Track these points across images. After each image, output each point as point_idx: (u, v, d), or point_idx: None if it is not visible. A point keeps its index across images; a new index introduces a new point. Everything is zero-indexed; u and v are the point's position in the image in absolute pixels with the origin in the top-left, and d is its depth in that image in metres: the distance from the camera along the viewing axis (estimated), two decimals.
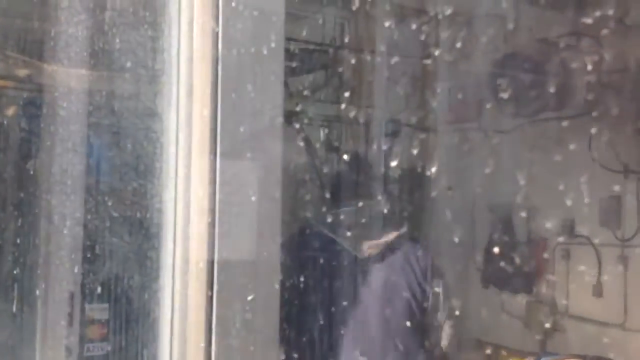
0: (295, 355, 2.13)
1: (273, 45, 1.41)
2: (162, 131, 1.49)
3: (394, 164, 3.48)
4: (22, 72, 2.64)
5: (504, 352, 4.03)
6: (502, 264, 4.66)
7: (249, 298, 1.31)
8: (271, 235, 1.37)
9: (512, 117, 4.29)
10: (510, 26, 3.67)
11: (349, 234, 2.63)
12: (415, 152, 3.68)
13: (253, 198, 1.35)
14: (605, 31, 3.17)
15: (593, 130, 3.92)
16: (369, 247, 2.68)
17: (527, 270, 4.74)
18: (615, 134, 3.91)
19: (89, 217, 2.03)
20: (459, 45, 3.37)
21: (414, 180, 3.65)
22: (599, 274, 4.34)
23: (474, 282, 4.76)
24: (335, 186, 2.96)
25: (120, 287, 1.89)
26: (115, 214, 1.89)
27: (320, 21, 4.02)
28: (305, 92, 3.93)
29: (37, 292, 2.19)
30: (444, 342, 2.73)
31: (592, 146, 4.12)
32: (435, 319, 2.71)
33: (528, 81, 4.06)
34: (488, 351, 4.15)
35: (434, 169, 3.38)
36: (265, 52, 1.40)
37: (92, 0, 2.02)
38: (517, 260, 4.62)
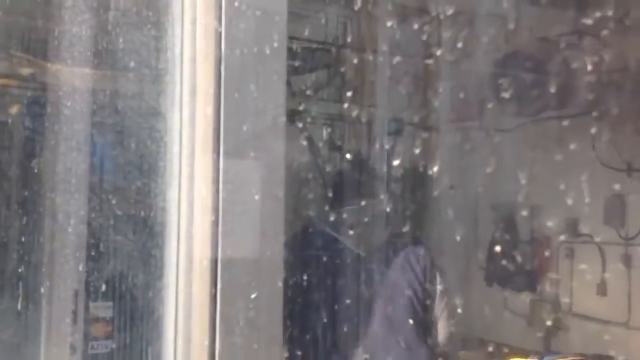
0: (298, 353, 2.14)
1: (276, 45, 1.41)
2: (166, 130, 1.49)
3: (396, 163, 3.49)
4: (26, 71, 2.65)
5: (507, 351, 4.02)
6: (506, 262, 4.67)
7: (253, 296, 1.32)
8: (274, 234, 1.37)
9: (514, 116, 4.29)
10: (512, 26, 3.67)
11: (351, 232, 2.64)
12: (417, 151, 3.69)
13: (256, 197, 1.36)
14: (606, 30, 3.17)
15: (596, 129, 3.92)
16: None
17: (530, 268, 4.74)
18: (617, 132, 3.91)
19: (93, 215, 2.04)
20: (460, 44, 3.38)
21: (416, 179, 3.66)
22: (603, 272, 4.34)
23: (478, 281, 4.76)
24: (337, 185, 2.96)
25: (124, 285, 1.90)
26: (119, 213, 1.90)
27: (323, 20, 4.02)
28: (308, 92, 3.93)
29: (42, 290, 2.20)
30: (441, 338, 2.74)
31: (595, 145, 4.12)
32: (432, 315, 2.71)
33: (529, 80, 4.06)
34: (491, 349, 4.15)
35: (436, 168, 3.39)
36: (267, 51, 1.40)
37: (96, 0, 2.03)
38: (521, 258, 4.62)
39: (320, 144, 4.11)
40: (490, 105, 4.26)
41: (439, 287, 2.72)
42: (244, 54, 1.38)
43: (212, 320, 1.31)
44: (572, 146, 3.58)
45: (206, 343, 1.31)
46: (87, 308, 2.26)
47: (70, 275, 2.16)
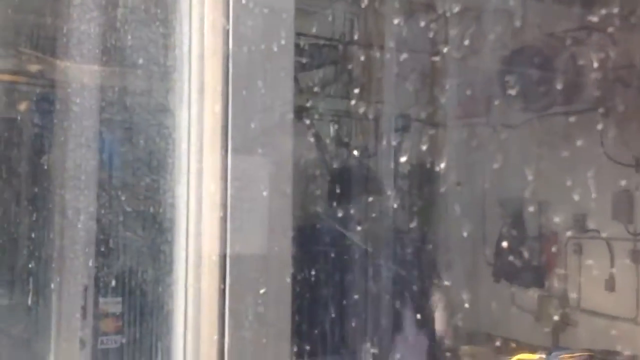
0: (307, 347, 2.15)
1: (283, 42, 1.42)
2: (174, 127, 1.50)
3: (403, 159, 3.49)
4: (36, 68, 2.67)
5: (515, 346, 4.03)
6: (514, 258, 4.67)
7: (261, 291, 1.33)
8: (282, 230, 1.38)
9: (521, 112, 4.29)
10: (518, 22, 3.66)
11: (359, 228, 2.65)
12: (424, 147, 3.69)
13: (264, 193, 1.37)
14: (612, 27, 3.16)
15: (603, 125, 3.92)
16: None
17: (538, 264, 4.74)
18: (625, 128, 3.90)
19: (102, 211, 2.06)
20: (467, 41, 3.38)
21: (423, 176, 3.66)
22: (611, 268, 4.34)
23: (485, 277, 4.76)
24: (345, 181, 2.97)
25: (134, 281, 1.91)
26: (128, 209, 1.91)
27: (330, 18, 4.02)
28: (316, 88, 3.94)
29: (52, 285, 2.21)
30: (438, 328, 2.74)
31: (603, 140, 4.12)
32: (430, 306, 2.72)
33: (536, 76, 4.05)
34: (499, 345, 4.16)
35: (443, 165, 3.39)
36: (275, 49, 1.41)
37: None
38: (529, 254, 4.62)
39: (328, 141, 4.12)
40: (497, 102, 4.26)
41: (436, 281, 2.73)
42: (251, 51, 1.39)
43: (221, 315, 1.32)
44: (580, 142, 3.58)
45: (215, 337, 1.32)
46: (96, 303, 2.28)
47: (80, 271, 2.17)
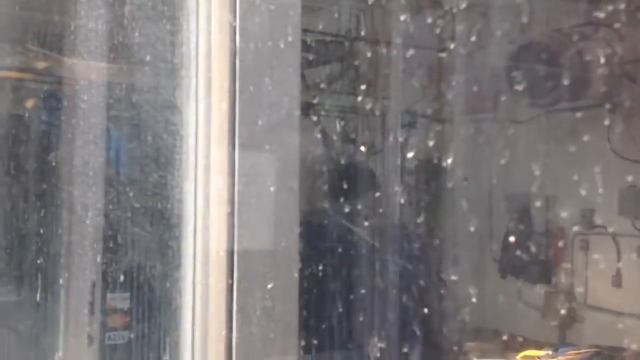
0: (314, 341, 2.16)
1: (290, 38, 1.42)
2: (182, 124, 1.51)
3: (410, 154, 3.49)
4: (43, 65, 2.68)
5: (521, 343, 4.03)
6: (520, 254, 4.67)
7: (269, 286, 1.34)
8: (289, 225, 1.39)
9: (528, 108, 4.28)
10: (525, 18, 3.66)
11: (366, 223, 2.65)
12: (431, 143, 3.69)
13: (271, 188, 1.37)
14: (619, 23, 3.16)
15: (610, 121, 3.91)
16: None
17: (545, 260, 4.73)
18: (632, 123, 3.90)
19: (110, 207, 2.07)
20: (474, 37, 3.38)
21: (429, 171, 3.66)
22: (618, 264, 4.33)
23: (492, 273, 4.76)
24: (352, 177, 2.97)
25: (142, 277, 1.92)
26: (136, 205, 1.92)
27: (336, 14, 4.02)
28: (322, 85, 3.94)
29: (61, 281, 2.23)
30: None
31: (610, 136, 4.11)
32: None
33: (543, 72, 4.05)
34: (506, 341, 4.16)
35: (450, 160, 3.39)
36: (282, 45, 1.41)
37: None
38: (535, 250, 4.62)
39: (334, 137, 4.12)
40: (504, 98, 4.25)
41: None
42: (258, 47, 1.39)
43: (229, 311, 1.33)
44: (586, 138, 3.58)
45: (223, 332, 1.33)
46: (104, 299, 2.29)
47: (88, 267, 2.18)
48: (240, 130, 1.38)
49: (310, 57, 3.43)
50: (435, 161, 3.51)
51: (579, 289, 4.58)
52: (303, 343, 1.45)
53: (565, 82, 3.91)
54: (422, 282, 2.65)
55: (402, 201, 2.84)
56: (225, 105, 1.38)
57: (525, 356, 3.63)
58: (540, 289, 4.70)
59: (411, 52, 3.48)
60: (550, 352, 3.65)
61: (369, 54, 3.97)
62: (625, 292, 4.27)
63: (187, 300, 1.44)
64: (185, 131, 1.50)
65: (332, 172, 3.43)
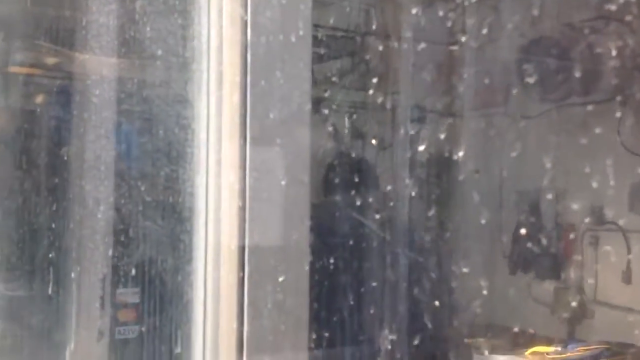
0: (326, 334, 2.16)
1: (301, 32, 1.43)
2: (193, 118, 1.51)
3: (421, 148, 3.49)
4: (54, 61, 2.69)
5: (531, 339, 4.03)
6: (530, 250, 4.66)
7: (280, 279, 1.34)
8: (300, 219, 1.39)
9: (539, 102, 4.27)
10: (536, 11, 3.65)
11: (377, 216, 2.66)
12: (441, 136, 3.68)
13: (282, 182, 1.38)
14: (630, 16, 3.14)
15: (621, 116, 3.89)
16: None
17: (554, 256, 4.72)
18: None
19: (122, 201, 2.08)
20: (485, 30, 3.37)
21: (440, 166, 3.66)
22: (628, 260, 4.32)
23: (501, 268, 4.75)
24: (363, 170, 2.98)
25: (153, 270, 1.93)
26: (148, 199, 1.93)
27: (348, 9, 4.02)
28: (334, 78, 3.94)
29: (72, 275, 2.24)
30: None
31: (620, 131, 4.10)
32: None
33: (554, 66, 4.03)
34: (515, 337, 4.15)
35: (461, 153, 3.39)
36: (293, 39, 1.42)
37: None
38: (545, 246, 4.61)
39: (345, 131, 4.12)
40: (514, 92, 4.24)
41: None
42: (269, 41, 1.39)
43: (240, 304, 1.33)
44: (597, 133, 3.56)
45: (234, 325, 1.34)
46: (115, 293, 2.30)
47: (100, 261, 2.19)
48: (252, 124, 1.38)
49: (321, 51, 3.43)
50: (447, 155, 3.51)
51: (588, 285, 4.57)
52: (314, 336, 1.46)
53: (576, 76, 3.89)
54: (432, 275, 2.65)
55: (413, 194, 2.84)
56: (236, 99, 1.39)
57: (534, 352, 3.63)
58: (549, 285, 4.70)
59: (422, 45, 3.47)
60: (559, 348, 3.65)
61: (380, 48, 3.97)
62: (635, 288, 4.26)
63: (198, 293, 1.44)
64: (196, 125, 1.51)
65: (343, 165, 3.43)
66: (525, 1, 3.73)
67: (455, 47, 3.84)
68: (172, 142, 1.63)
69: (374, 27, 4.07)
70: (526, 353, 3.65)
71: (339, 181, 3.00)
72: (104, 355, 2.35)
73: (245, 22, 1.39)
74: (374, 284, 2.56)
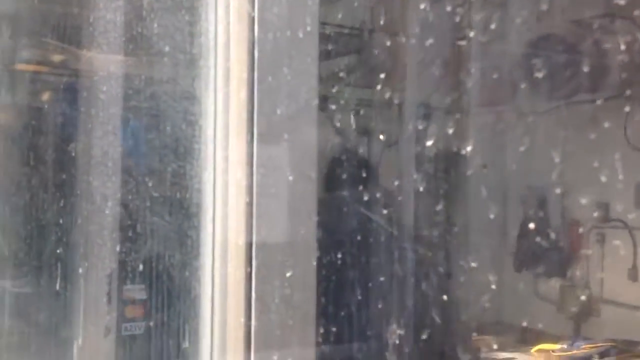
0: (333, 329, 2.17)
1: (308, 28, 1.43)
2: (200, 114, 1.52)
3: (429, 143, 3.49)
4: (61, 58, 2.69)
5: (537, 336, 4.02)
6: (536, 247, 4.65)
7: (288, 274, 1.35)
8: (307, 214, 1.40)
9: (547, 99, 4.26)
10: (544, 7, 3.64)
11: (385, 212, 2.66)
12: (450, 132, 3.68)
13: (290, 178, 1.38)
14: (638, 11, 3.13)
15: (629, 112, 3.88)
16: None
17: (561, 253, 4.72)
18: None
19: (129, 198, 2.08)
20: (492, 26, 3.36)
21: (447, 162, 3.65)
22: (635, 257, 4.31)
23: (507, 266, 4.75)
24: (370, 166, 2.98)
25: (161, 266, 1.93)
26: (155, 195, 1.93)
27: (355, 5, 4.01)
28: (341, 74, 3.94)
29: (80, 270, 2.24)
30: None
31: (628, 129, 4.09)
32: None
33: (562, 63, 4.03)
34: (521, 335, 4.15)
35: (469, 148, 3.38)
36: (301, 35, 1.42)
37: None
38: (551, 243, 4.61)
39: (352, 127, 4.12)
40: (522, 88, 4.23)
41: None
42: (277, 38, 1.40)
43: (248, 299, 1.34)
44: (603, 130, 3.56)
45: (242, 320, 1.34)
46: (122, 289, 2.30)
47: (107, 257, 2.20)
48: (259, 120, 1.39)
49: (329, 47, 3.42)
50: (455, 150, 3.50)
51: (594, 282, 4.57)
52: (321, 330, 1.46)
53: (584, 72, 3.89)
54: (439, 270, 2.65)
55: (421, 189, 2.84)
56: (243, 96, 1.39)
57: (540, 349, 3.63)
58: (555, 283, 4.69)
59: (430, 41, 3.47)
60: (565, 346, 3.64)
61: (387, 44, 3.96)
62: None
63: (205, 289, 1.45)
64: (203, 121, 1.51)
65: (350, 161, 3.43)
66: None
67: (463, 43, 3.84)
68: (180, 139, 1.64)
69: (381, 23, 4.06)
70: (532, 350, 3.64)
71: (347, 177, 3.00)
72: (111, 351, 2.35)
73: (253, 19, 1.40)
74: (382, 278, 2.56)
